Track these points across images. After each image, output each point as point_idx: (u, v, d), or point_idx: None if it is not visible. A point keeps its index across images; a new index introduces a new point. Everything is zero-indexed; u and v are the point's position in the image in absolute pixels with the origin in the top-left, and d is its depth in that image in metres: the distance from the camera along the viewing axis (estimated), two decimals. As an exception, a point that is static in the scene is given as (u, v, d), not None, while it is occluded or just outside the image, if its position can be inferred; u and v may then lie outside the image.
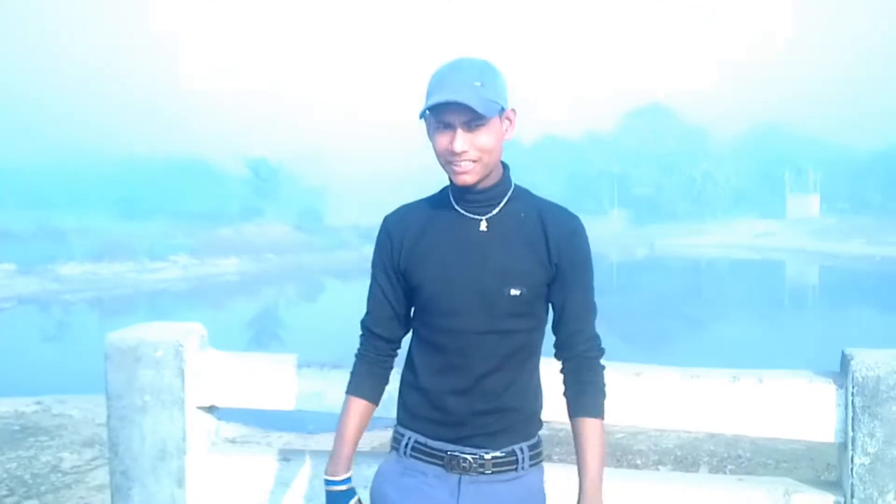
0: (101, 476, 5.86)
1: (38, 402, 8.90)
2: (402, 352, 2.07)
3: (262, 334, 20.19)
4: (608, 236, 65.01)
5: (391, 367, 2.03)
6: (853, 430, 2.41)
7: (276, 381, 2.78)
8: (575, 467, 1.88)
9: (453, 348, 1.85)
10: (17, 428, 7.57)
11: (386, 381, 2.03)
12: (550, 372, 1.96)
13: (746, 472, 5.85)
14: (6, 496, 5.52)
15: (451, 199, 1.89)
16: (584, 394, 1.88)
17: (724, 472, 5.88)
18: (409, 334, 2.02)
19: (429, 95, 1.78)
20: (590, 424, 1.86)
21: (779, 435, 2.49)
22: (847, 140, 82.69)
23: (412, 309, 1.98)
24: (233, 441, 6.79)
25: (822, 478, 3.63)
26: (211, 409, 2.91)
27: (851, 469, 2.41)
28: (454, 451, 1.86)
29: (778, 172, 75.73)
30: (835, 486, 2.56)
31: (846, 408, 2.44)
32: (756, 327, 21.20)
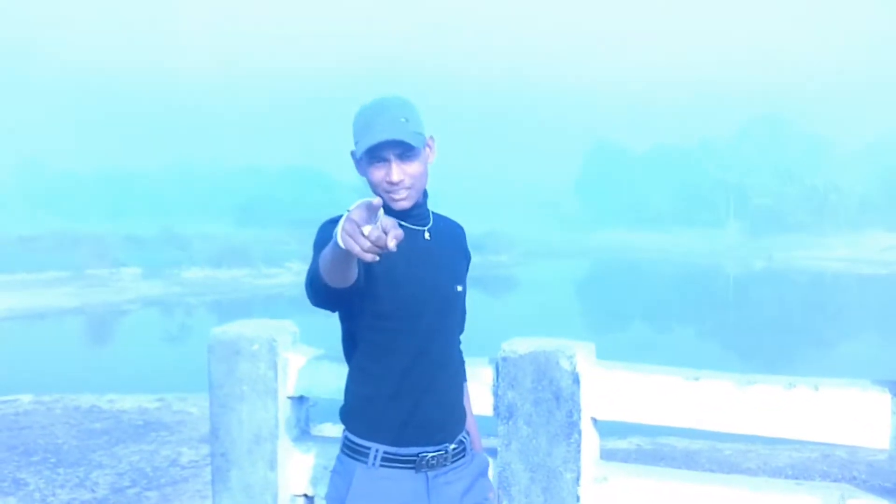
0: (217, 471, 6.21)
1: (160, 399, 9.35)
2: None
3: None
4: (723, 248, 63.18)
5: None
6: (907, 438, 2.46)
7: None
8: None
9: (414, 348, 2.06)
10: (140, 423, 8.04)
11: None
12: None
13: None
14: (129, 487, 5.90)
15: (393, 216, 2.06)
16: (461, 368, 2.30)
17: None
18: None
19: (359, 137, 2.00)
20: (466, 388, 2.33)
21: (833, 441, 2.55)
22: (984, 148, 77.80)
23: (357, 321, 2.07)
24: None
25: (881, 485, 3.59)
26: (301, 400, 3.18)
27: (905, 476, 2.46)
28: (422, 452, 2.07)
29: (908, 183, 72.01)
30: (890, 491, 2.60)
31: (901, 416, 2.48)
32: (884, 347, 20.27)
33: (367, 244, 1.50)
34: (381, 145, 1.98)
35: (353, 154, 2.07)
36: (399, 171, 2.01)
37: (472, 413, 2.35)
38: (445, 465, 2.10)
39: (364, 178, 2.07)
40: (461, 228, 2.30)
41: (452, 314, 2.16)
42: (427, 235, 2.13)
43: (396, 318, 2.04)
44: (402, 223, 2.08)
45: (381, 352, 2.07)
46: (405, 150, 2.00)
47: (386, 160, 2.00)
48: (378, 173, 2.02)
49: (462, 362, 2.33)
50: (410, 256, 2.06)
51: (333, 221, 2.01)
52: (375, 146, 1.98)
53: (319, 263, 1.83)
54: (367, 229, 1.47)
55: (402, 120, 1.99)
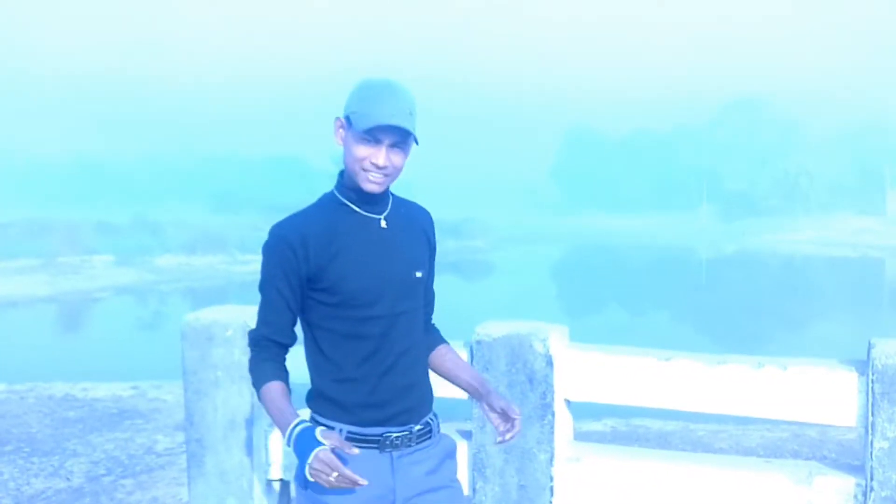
0: (193, 458, 6.20)
1: (135, 387, 9.27)
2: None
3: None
4: (696, 231, 63.71)
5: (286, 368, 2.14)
6: (873, 416, 2.51)
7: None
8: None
9: (375, 334, 2.10)
10: (114, 411, 7.96)
11: (287, 374, 2.12)
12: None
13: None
14: (104, 475, 5.85)
15: (349, 202, 2.12)
16: (438, 336, 2.36)
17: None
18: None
19: (360, 109, 2.01)
20: (450, 347, 2.37)
21: (801, 419, 2.60)
22: (952, 134, 78.96)
23: (314, 312, 2.12)
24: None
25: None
26: (276, 386, 3.18)
27: (871, 453, 2.51)
28: (386, 432, 2.11)
29: (878, 167, 72.87)
30: (858, 469, 2.65)
31: (867, 394, 2.54)
32: (854, 327, 20.51)
33: (335, 483, 1.86)
34: (384, 128, 2.00)
35: (341, 118, 2.07)
36: (387, 158, 2.03)
37: (470, 367, 2.39)
38: (410, 446, 2.13)
39: (343, 146, 2.07)
40: (426, 214, 2.32)
41: (412, 299, 2.18)
42: (383, 223, 2.15)
43: (352, 308, 2.08)
44: (357, 210, 2.12)
45: (339, 339, 2.10)
46: (401, 141, 2.03)
47: (380, 142, 2.02)
48: (366, 151, 2.03)
49: (439, 341, 2.35)
50: (362, 246, 2.10)
51: (279, 237, 2.07)
52: (380, 126, 1.99)
53: (263, 399, 2.07)
54: (333, 476, 1.86)
55: (408, 112, 2.02)
